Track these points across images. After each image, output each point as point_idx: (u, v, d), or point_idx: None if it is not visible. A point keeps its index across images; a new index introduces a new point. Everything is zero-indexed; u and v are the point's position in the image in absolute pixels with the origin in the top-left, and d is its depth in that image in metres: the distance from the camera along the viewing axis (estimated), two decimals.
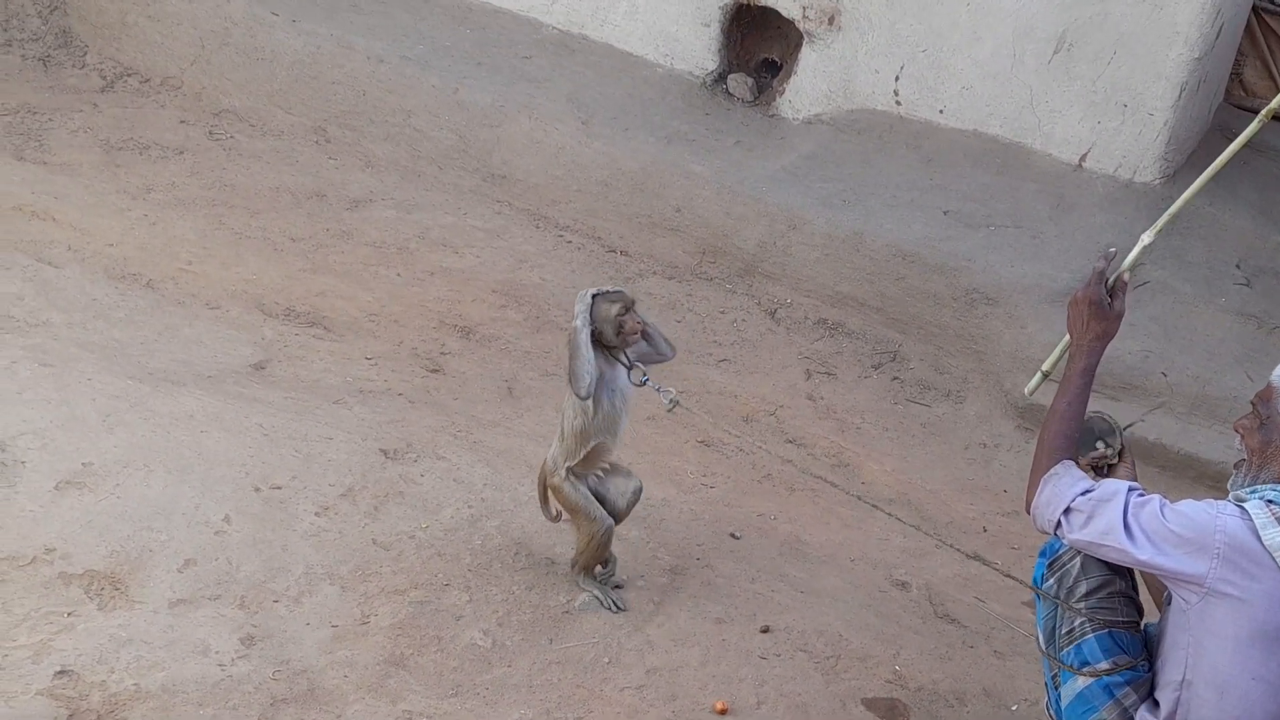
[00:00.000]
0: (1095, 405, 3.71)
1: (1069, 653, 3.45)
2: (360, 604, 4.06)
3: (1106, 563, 3.41)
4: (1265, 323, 6.66)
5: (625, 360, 4.22)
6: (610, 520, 4.31)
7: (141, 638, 3.73)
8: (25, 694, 3.47)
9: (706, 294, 6.88)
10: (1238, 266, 6.99)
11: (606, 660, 4.10)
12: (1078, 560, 3.46)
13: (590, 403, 4.15)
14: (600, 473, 4.37)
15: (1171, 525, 3.13)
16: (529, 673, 3.99)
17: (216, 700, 3.61)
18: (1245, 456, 3.33)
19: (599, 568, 4.41)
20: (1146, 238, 3.52)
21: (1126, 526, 3.17)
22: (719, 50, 7.96)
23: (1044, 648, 3.56)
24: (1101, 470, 3.77)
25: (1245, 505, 3.14)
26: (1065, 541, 3.35)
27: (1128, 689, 3.37)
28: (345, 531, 4.32)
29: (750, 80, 7.99)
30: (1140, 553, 3.15)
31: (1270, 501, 3.12)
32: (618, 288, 4.26)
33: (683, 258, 7.06)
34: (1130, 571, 3.48)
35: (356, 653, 3.89)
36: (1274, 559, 3.06)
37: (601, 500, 4.33)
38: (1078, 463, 3.45)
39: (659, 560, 4.59)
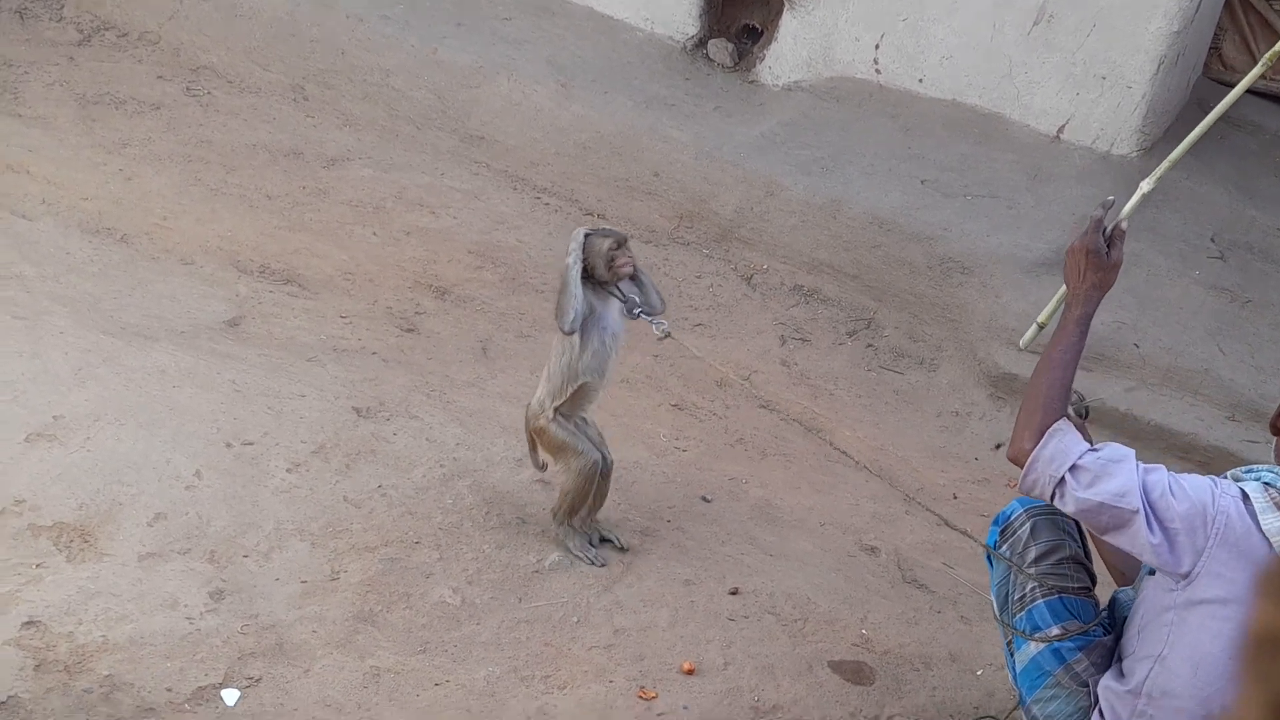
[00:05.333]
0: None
1: (1020, 619, 3.44)
2: (330, 560, 4.07)
3: (1056, 527, 3.40)
4: (1238, 296, 6.69)
5: (619, 294, 4.24)
6: (598, 455, 4.33)
7: (110, 590, 3.74)
8: None
9: (683, 259, 6.88)
10: (1212, 240, 7.02)
11: (575, 620, 4.12)
12: (1028, 526, 3.45)
13: (578, 339, 4.18)
14: (581, 420, 4.39)
15: (1176, 498, 3.05)
16: (497, 631, 4.01)
17: (184, 653, 3.62)
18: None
19: (588, 522, 4.43)
20: (1146, 185, 3.41)
21: (1146, 491, 3.04)
22: (700, 15, 7.94)
23: (998, 614, 3.56)
24: None
25: (1244, 487, 3.09)
26: (1059, 503, 3.16)
27: (1079, 654, 3.37)
28: (316, 488, 4.33)
29: (731, 46, 7.97)
30: (1146, 525, 3.04)
31: (1268, 484, 3.08)
32: (613, 228, 4.29)
33: (660, 222, 7.06)
34: (1081, 536, 3.48)
35: (325, 608, 3.90)
36: (1270, 544, 3.02)
37: None
38: None
39: (629, 522, 4.61)
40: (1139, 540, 3.06)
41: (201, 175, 6.64)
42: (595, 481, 4.36)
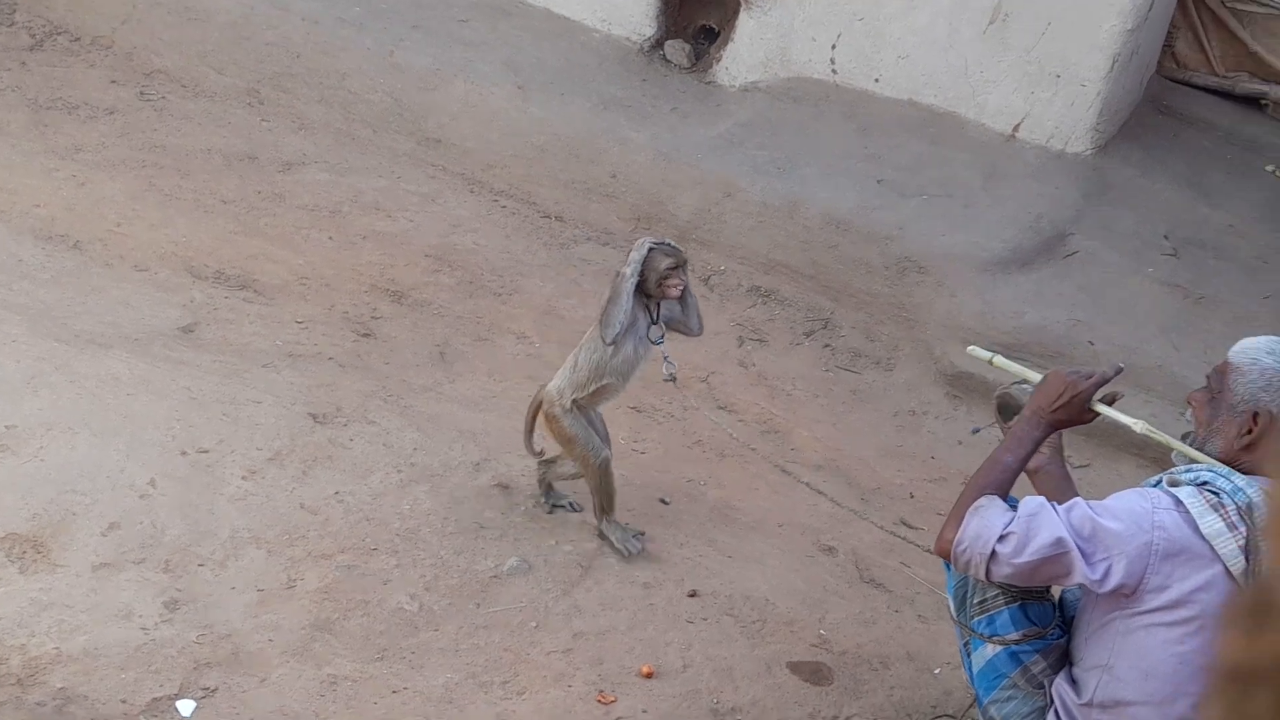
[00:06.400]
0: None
1: (980, 622, 3.44)
2: (286, 568, 4.06)
3: None
4: (1191, 293, 6.74)
5: (653, 314, 4.30)
6: (606, 451, 4.42)
7: (63, 601, 3.71)
8: None
9: None
10: (1166, 237, 7.07)
11: (534, 624, 4.12)
12: None
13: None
14: (596, 412, 4.49)
15: (1107, 522, 3.06)
16: (456, 637, 4.00)
17: (139, 664, 3.60)
18: (1194, 428, 3.30)
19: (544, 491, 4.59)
20: (1140, 427, 3.37)
21: (1075, 531, 3.05)
22: (657, 16, 7.94)
23: (954, 615, 3.57)
24: None
25: (1178, 493, 3.08)
26: (996, 575, 3.15)
27: (1036, 656, 3.38)
28: (272, 495, 4.31)
29: (688, 47, 7.98)
30: (1084, 563, 3.05)
31: (1204, 484, 3.08)
32: (677, 245, 4.33)
33: (617, 224, 7.05)
34: None
35: (282, 617, 3.89)
36: (1212, 548, 3.01)
37: None
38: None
39: (588, 524, 4.60)
40: (1082, 579, 3.08)
41: (155, 180, 6.60)
42: (605, 472, 4.42)
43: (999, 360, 3.66)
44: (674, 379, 4.35)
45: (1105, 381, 3.35)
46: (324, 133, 7.36)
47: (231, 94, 7.49)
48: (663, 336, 4.33)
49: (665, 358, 4.33)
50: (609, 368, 4.29)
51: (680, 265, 4.25)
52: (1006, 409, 3.67)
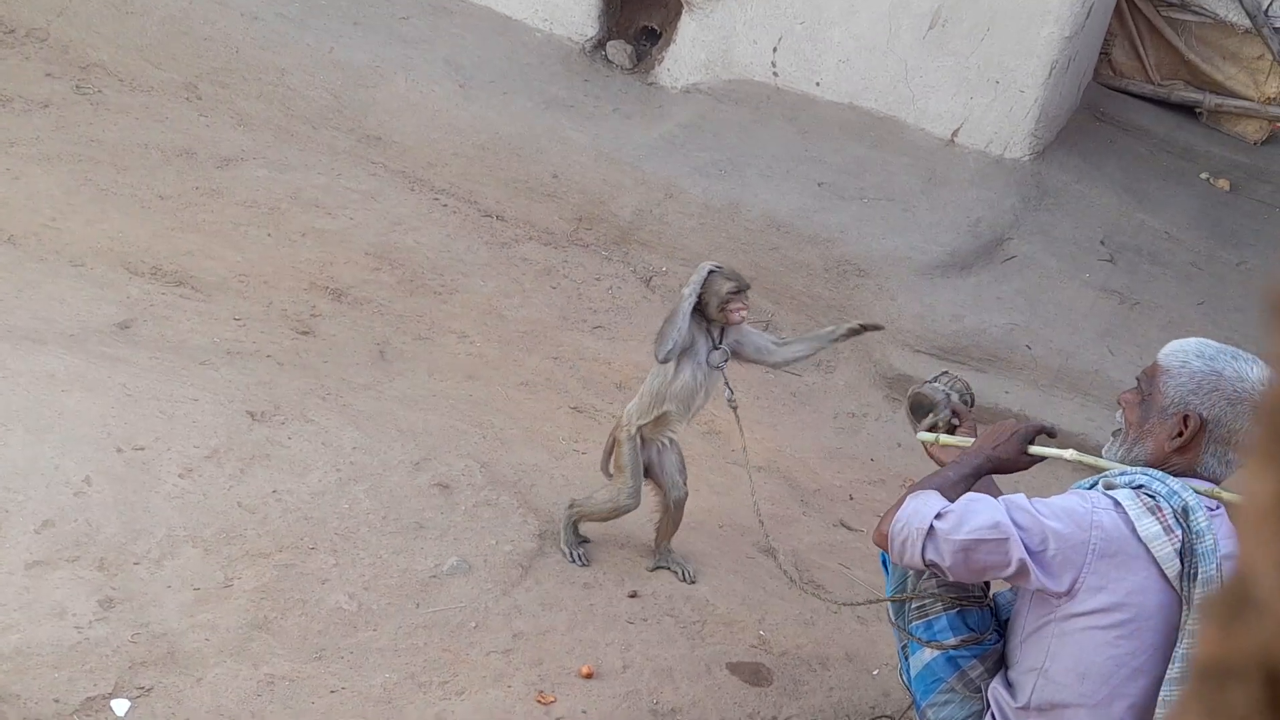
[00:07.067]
0: (960, 375, 3.79)
1: (918, 626, 3.46)
2: (223, 567, 4.01)
3: None
4: (1127, 298, 6.83)
5: (716, 339, 4.26)
6: (636, 504, 4.44)
7: None
8: None
9: (582, 260, 6.88)
10: (1102, 243, 7.16)
11: (473, 624, 4.10)
12: None
13: (671, 367, 4.22)
14: (666, 442, 4.46)
15: (1046, 519, 3.05)
16: (394, 636, 3.98)
17: (73, 663, 3.55)
18: (1124, 428, 3.30)
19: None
20: (1069, 454, 3.44)
21: (1013, 519, 3.04)
22: (599, 16, 7.94)
23: (893, 619, 3.59)
24: (949, 432, 3.74)
25: (1116, 495, 3.08)
26: (932, 556, 3.12)
27: (974, 661, 3.39)
28: (209, 494, 4.26)
29: (630, 48, 7.99)
30: (1023, 550, 3.03)
31: (1140, 486, 3.08)
32: (738, 272, 4.29)
33: (559, 224, 7.05)
34: None
35: (218, 616, 3.85)
36: (1149, 550, 3.01)
37: (649, 470, 4.46)
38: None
39: (528, 525, 4.59)
40: (1017, 570, 3.05)
41: (91, 175, 6.52)
42: (614, 516, 4.48)
43: (944, 438, 3.68)
44: (734, 406, 4.34)
45: (1043, 430, 3.44)
46: (263, 129, 7.31)
47: (169, 89, 7.42)
48: (725, 360, 4.30)
49: (726, 383, 4.32)
50: (668, 393, 4.26)
51: (742, 290, 4.20)
52: (919, 408, 3.73)
